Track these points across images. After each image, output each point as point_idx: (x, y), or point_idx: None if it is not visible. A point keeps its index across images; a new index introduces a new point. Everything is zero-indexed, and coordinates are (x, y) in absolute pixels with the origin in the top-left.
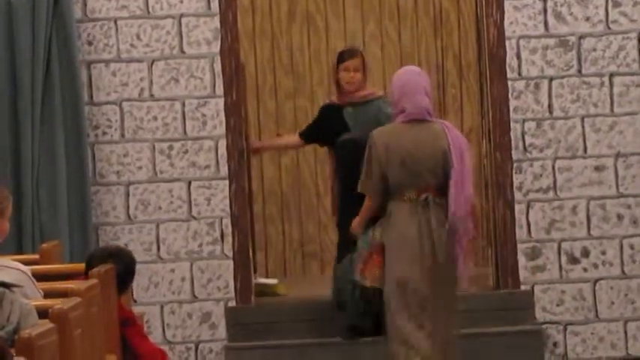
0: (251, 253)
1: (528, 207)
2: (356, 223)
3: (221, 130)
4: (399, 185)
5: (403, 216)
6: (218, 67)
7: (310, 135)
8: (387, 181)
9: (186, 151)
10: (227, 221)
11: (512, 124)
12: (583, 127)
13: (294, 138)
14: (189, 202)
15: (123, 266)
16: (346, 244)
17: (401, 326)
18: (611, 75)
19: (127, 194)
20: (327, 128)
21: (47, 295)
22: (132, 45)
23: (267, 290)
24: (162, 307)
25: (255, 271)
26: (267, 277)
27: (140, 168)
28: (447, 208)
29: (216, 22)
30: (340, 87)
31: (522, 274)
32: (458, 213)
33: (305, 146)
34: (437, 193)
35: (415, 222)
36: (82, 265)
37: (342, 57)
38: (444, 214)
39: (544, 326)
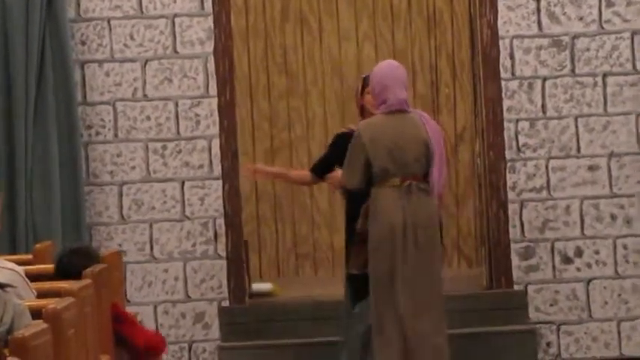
0: (244, 255)
1: (522, 207)
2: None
3: (214, 130)
4: (385, 174)
5: (388, 202)
6: (211, 67)
7: (323, 170)
8: (371, 171)
9: (179, 151)
10: (220, 221)
11: (505, 124)
12: (576, 126)
13: (304, 173)
14: (183, 202)
15: (90, 263)
16: (356, 291)
17: (379, 314)
18: (605, 75)
19: (121, 194)
20: (342, 159)
21: (40, 295)
22: (125, 45)
23: (263, 294)
24: (155, 307)
25: (249, 278)
26: (260, 277)
27: (133, 168)
28: (428, 192)
29: (209, 22)
30: (365, 111)
31: (516, 273)
32: (440, 193)
33: (316, 183)
34: (419, 179)
35: (400, 207)
36: None
37: (367, 82)
38: (427, 197)
39: (537, 326)
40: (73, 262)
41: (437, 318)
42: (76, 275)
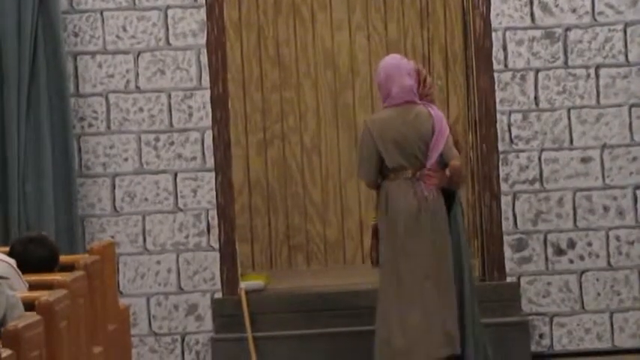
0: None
1: (514, 199)
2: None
3: (207, 121)
4: (395, 166)
5: (400, 194)
6: (204, 58)
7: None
8: (382, 164)
9: (172, 143)
10: (213, 213)
11: (498, 116)
12: (569, 118)
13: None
14: (176, 193)
15: (47, 252)
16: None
17: (383, 311)
18: (597, 67)
19: (113, 186)
20: None
21: (33, 287)
22: (118, 37)
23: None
24: (148, 299)
25: (240, 274)
26: (253, 269)
27: (126, 160)
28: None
29: (202, 14)
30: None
31: (509, 265)
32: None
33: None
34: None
35: (411, 194)
36: (68, 257)
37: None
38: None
39: (530, 318)
40: (27, 250)
41: (449, 304)
42: (32, 265)
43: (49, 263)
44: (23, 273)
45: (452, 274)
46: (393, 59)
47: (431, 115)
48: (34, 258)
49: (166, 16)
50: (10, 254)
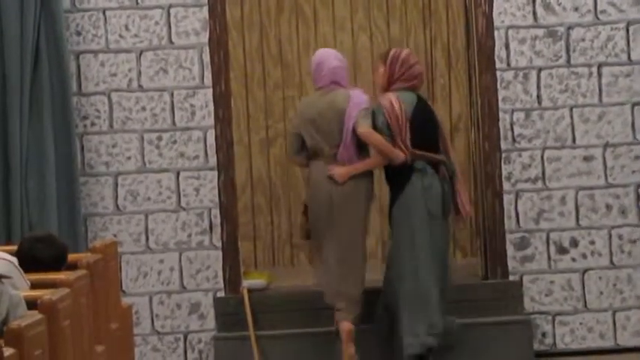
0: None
1: (517, 197)
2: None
3: (210, 120)
4: (313, 145)
5: (319, 173)
6: (207, 57)
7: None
8: (305, 144)
9: (174, 142)
10: (216, 211)
11: (500, 115)
12: (572, 117)
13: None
14: (178, 192)
15: (54, 251)
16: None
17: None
18: (600, 65)
19: (116, 185)
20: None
21: (36, 285)
22: (120, 35)
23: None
24: (151, 298)
25: (243, 273)
26: (255, 267)
27: (129, 158)
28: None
29: (204, 13)
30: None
31: (511, 264)
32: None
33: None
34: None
35: (327, 175)
36: (71, 256)
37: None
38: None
39: (533, 316)
40: (34, 250)
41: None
42: (39, 265)
43: (56, 263)
44: (30, 272)
45: (359, 254)
46: (321, 50)
47: (349, 95)
48: (41, 257)
49: (169, 14)
50: (17, 253)
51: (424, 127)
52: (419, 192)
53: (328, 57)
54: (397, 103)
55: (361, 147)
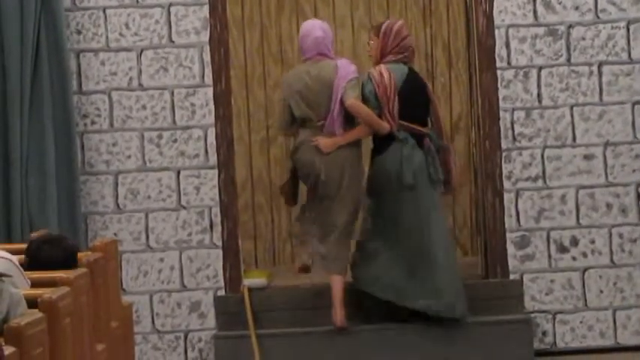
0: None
1: (517, 196)
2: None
3: (210, 119)
4: (302, 115)
5: (307, 142)
6: (207, 56)
7: None
8: (293, 115)
9: (175, 140)
10: (216, 210)
11: (501, 113)
12: (572, 116)
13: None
14: (179, 191)
15: (61, 253)
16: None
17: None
18: (600, 64)
19: (116, 183)
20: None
21: (36, 284)
22: (121, 34)
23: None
24: (151, 297)
25: (243, 271)
26: (256, 266)
27: (129, 157)
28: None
29: (205, 12)
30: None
31: (511, 263)
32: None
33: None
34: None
35: (313, 145)
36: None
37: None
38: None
39: (533, 315)
40: (42, 249)
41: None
42: (45, 266)
43: (64, 265)
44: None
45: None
46: (310, 20)
47: (337, 66)
48: (47, 259)
49: (169, 13)
50: (25, 254)
51: (413, 100)
52: (396, 161)
53: (313, 28)
54: (387, 73)
55: (349, 118)
